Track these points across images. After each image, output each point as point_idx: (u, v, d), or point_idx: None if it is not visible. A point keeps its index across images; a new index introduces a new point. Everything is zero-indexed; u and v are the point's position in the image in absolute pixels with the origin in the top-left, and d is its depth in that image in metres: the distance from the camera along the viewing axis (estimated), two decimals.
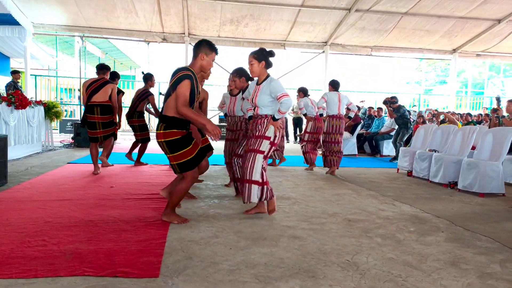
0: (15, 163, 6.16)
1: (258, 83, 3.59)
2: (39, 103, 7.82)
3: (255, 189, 3.46)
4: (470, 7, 10.91)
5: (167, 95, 3.17)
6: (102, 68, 5.66)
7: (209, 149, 4.78)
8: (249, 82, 4.37)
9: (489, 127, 6.42)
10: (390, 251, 2.77)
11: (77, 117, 14.08)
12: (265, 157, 3.50)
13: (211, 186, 4.96)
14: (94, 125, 5.40)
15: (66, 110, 14.92)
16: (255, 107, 3.61)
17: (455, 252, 2.79)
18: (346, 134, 9.36)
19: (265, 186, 3.51)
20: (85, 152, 7.91)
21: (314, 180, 5.68)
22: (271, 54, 3.57)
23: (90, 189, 4.47)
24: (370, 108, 11.27)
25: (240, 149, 4.00)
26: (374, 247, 2.83)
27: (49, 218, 3.25)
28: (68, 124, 12.65)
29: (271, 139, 3.49)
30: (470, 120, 9.26)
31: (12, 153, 6.33)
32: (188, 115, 3.05)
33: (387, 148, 9.56)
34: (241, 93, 5.03)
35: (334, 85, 6.57)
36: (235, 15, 11.28)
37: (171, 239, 2.83)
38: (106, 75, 5.63)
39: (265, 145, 3.47)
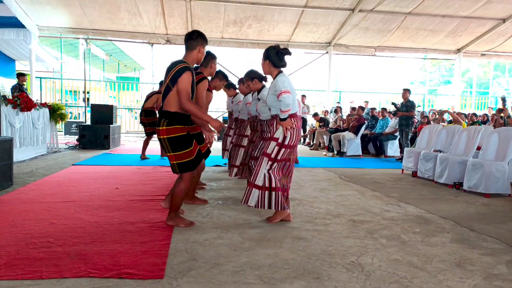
0: (20, 165, 6.20)
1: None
2: (44, 105, 7.87)
3: (255, 194, 3.30)
4: (474, 7, 10.87)
5: (167, 90, 3.04)
6: (161, 83, 7.13)
7: (208, 151, 4.65)
8: (263, 83, 4.41)
9: (495, 127, 6.38)
10: (395, 252, 2.75)
11: (82, 119, 14.14)
12: (272, 160, 3.28)
13: (215, 187, 4.96)
14: (145, 124, 7.52)
15: (71, 112, 15.00)
16: (269, 108, 3.51)
17: (461, 253, 2.77)
18: (350, 134, 9.34)
19: (273, 193, 3.26)
20: (90, 154, 7.96)
21: (318, 181, 5.67)
22: (277, 50, 3.32)
23: (95, 191, 4.48)
24: (373, 109, 11.21)
25: (256, 152, 3.77)
26: (379, 248, 2.82)
27: (54, 220, 3.26)
28: (73, 126, 12.70)
29: (279, 140, 3.27)
30: (475, 120, 9.20)
31: (18, 155, 6.37)
32: (193, 111, 2.97)
33: (392, 148, 9.53)
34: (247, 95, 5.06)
35: None
36: (238, 16, 11.30)
37: (176, 240, 2.83)
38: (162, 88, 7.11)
39: (271, 147, 3.29)
